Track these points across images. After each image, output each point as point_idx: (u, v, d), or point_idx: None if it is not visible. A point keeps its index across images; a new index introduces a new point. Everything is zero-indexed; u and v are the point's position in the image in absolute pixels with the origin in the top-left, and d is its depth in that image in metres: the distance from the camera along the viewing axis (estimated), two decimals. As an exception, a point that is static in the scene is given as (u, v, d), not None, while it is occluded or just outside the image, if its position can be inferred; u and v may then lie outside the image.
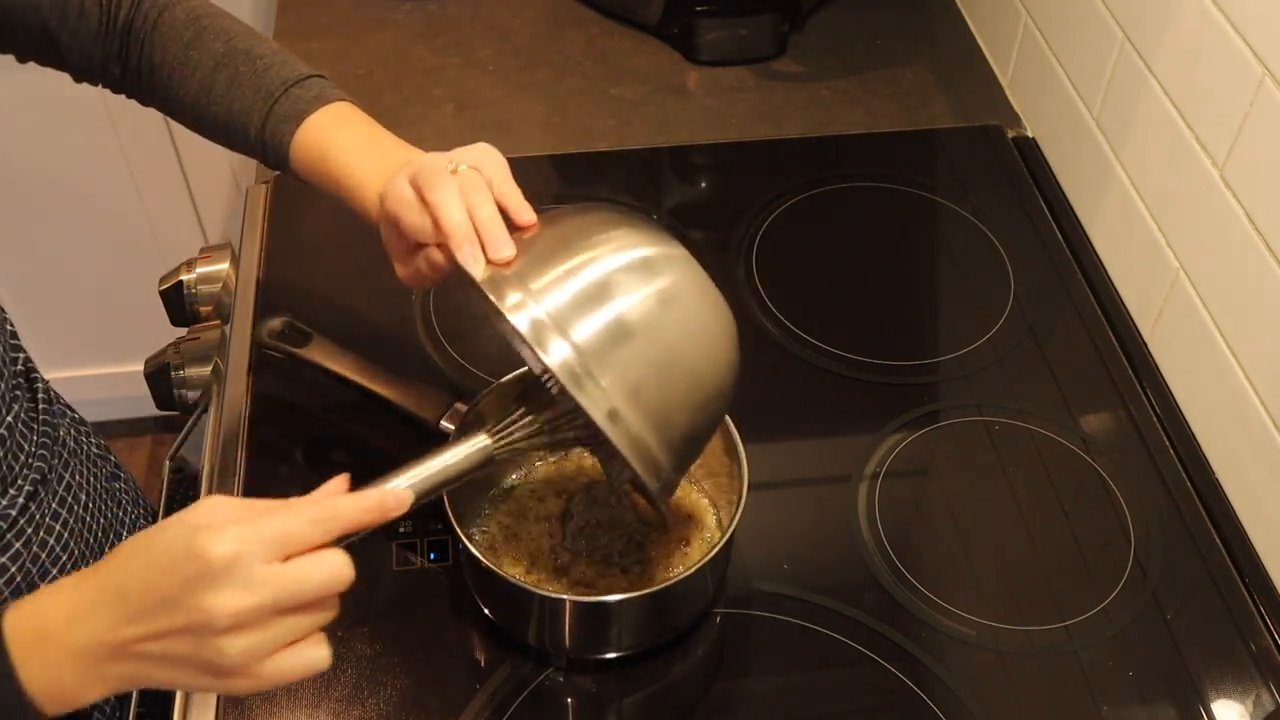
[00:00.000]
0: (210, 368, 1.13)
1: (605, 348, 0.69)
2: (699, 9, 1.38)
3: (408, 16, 1.45)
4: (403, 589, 0.90)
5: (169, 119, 0.91)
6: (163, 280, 1.17)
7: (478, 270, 0.71)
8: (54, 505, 0.86)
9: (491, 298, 0.70)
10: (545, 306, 0.69)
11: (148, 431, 2.19)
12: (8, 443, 0.81)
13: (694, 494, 0.93)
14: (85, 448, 0.96)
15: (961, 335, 1.11)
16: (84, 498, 0.91)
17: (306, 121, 0.84)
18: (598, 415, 0.68)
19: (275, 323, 1.00)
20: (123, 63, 0.88)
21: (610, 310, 0.70)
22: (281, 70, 0.86)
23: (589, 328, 0.69)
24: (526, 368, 0.89)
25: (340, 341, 0.98)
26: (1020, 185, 1.26)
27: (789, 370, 1.08)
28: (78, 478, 0.91)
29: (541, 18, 1.46)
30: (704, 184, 1.31)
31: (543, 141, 1.29)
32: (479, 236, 0.72)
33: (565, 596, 0.84)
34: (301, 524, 0.60)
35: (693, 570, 0.81)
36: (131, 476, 1.07)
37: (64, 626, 0.61)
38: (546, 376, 0.73)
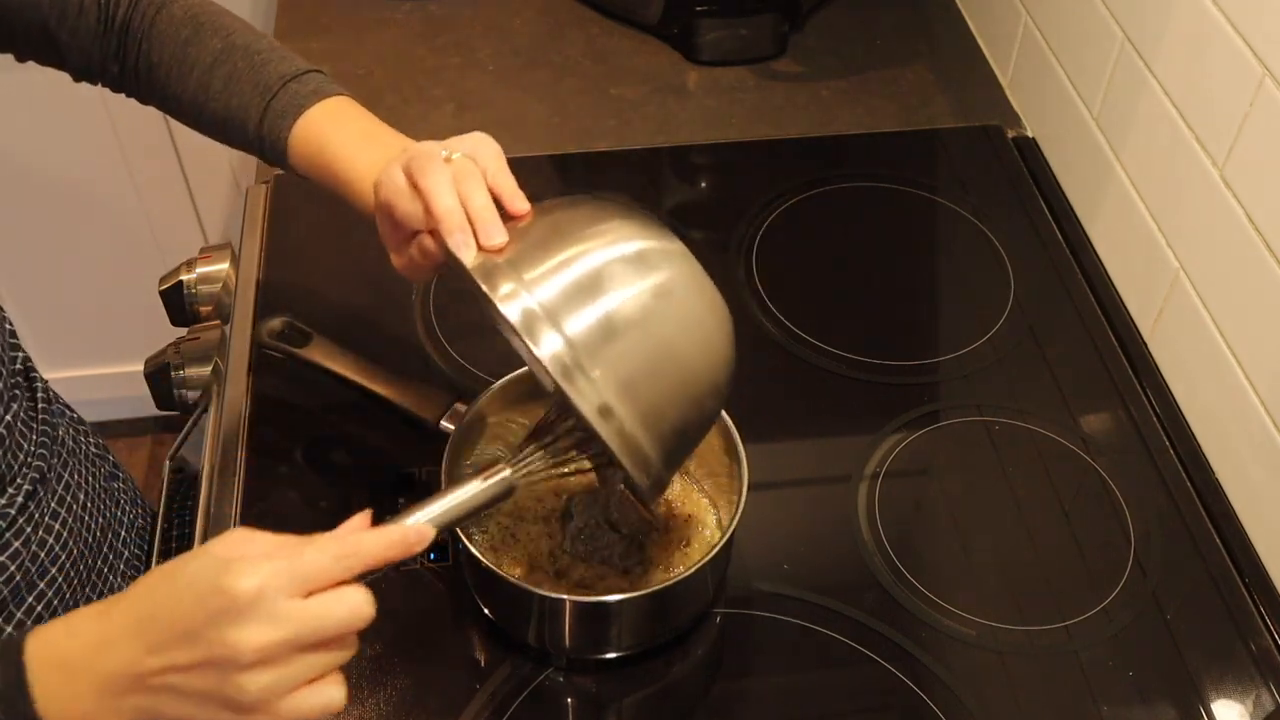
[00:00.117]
0: (210, 368, 1.13)
1: (597, 341, 0.68)
2: (699, 9, 1.38)
3: (408, 16, 1.45)
4: (403, 589, 0.90)
5: (169, 118, 0.91)
6: (163, 280, 1.17)
7: (469, 257, 0.71)
8: (53, 504, 0.86)
9: (482, 286, 0.69)
10: (538, 297, 0.68)
11: (148, 431, 2.19)
12: (6, 442, 0.81)
13: (694, 494, 0.93)
14: (84, 447, 0.96)
15: (961, 335, 1.11)
16: (83, 497, 0.91)
17: (304, 116, 0.84)
18: (588, 410, 0.67)
19: (275, 323, 1.00)
20: (121, 61, 0.88)
21: (604, 303, 0.69)
22: (279, 66, 0.86)
23: (582, 320, 0.68)
24: (527, 368, 0.89)
25: (340, 341, 0.98)
26: (1020, 185, 1.26)
27: (789, 370, 1.08)
28: (76, 477, 0.91)
29: (541, 18, 1.46)
30: (704, 184, 1.31)
31: (543, 141, 1.29)
32: (471, 224, 0.71)
33: (565, 596, 0.84)
34: (326, 560, 0.60)
35: (693, 570, 0.81)
36: (130, 476, 1.07)
37: (87, 656, 0.61)
38: (538, 369, 0.72)
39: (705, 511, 0.92)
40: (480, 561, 0.81)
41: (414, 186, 0.73)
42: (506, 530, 0.90)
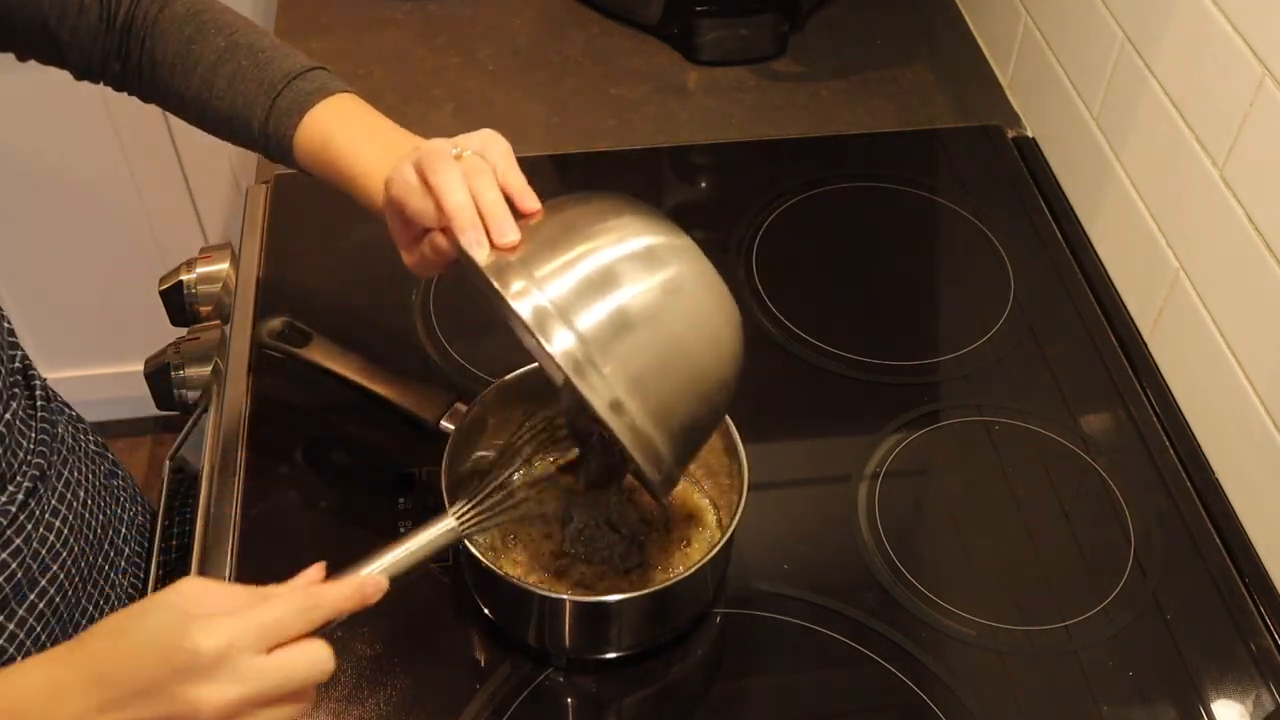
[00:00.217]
0: (210, 368, 1.13)
1: (609, 337, 0.69)
2: (699, 9, 1.38)
3: (408, 16, 1.45)
4: (403, 589, 0.90)
5: (169, 117, 0.91)
6: (163, 280, 1.17)
7: (481, 255, 0.71)
8: (53, 502, 0.86)
9: (495, 284, 0.69)
10: (549, 294, 0.69)
11: (148, 431, 2.19)
12: (6, 440, 0.81)
13: (694, 494, 0.93)
14: (83, 445, 0.96)
15: (961, 335, 1.11)
16: (83, 494, 0.91)
17: (309, 113, 0.84)
18: (600, 405, 0.68)
19: (275, 323, 1.00)
20: (123, 59, 0.88)
21: (615, 299, 0.69)
22: (284, 63, 0.86)
23: (593, 316, 0.69)
24: (526, 368, 0.89)
25: (340, 341, 0.98)
26: (1020, 185, 1.26)
27: (789, 370, 1.08)
28: (76, 474, 0.91)
29: (541, 18, 1.46)
30: (704, 184, 1.31)
31: (543, 141, 1.29)
32: (483, 221, 0.71)
33: (565, 596, 0.84)
34: (289, 614, 0.61)
35: (693, 570, 0.81)
36: (129, 474, 1.07)
37: (39, 709, 0.60)
38: (550, 365, 0.73)
39: (705, 511, 0.92)
40: (480, 561, 0.81)
41: (425, 184, 0.74)
42: (506, 531, 0.90)
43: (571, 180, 1.27)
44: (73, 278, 1.92)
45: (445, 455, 0.85)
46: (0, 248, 1.86)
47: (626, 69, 1.39)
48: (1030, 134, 1.31)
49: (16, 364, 0.86)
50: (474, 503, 0.77)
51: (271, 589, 0.63)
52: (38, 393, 0.89)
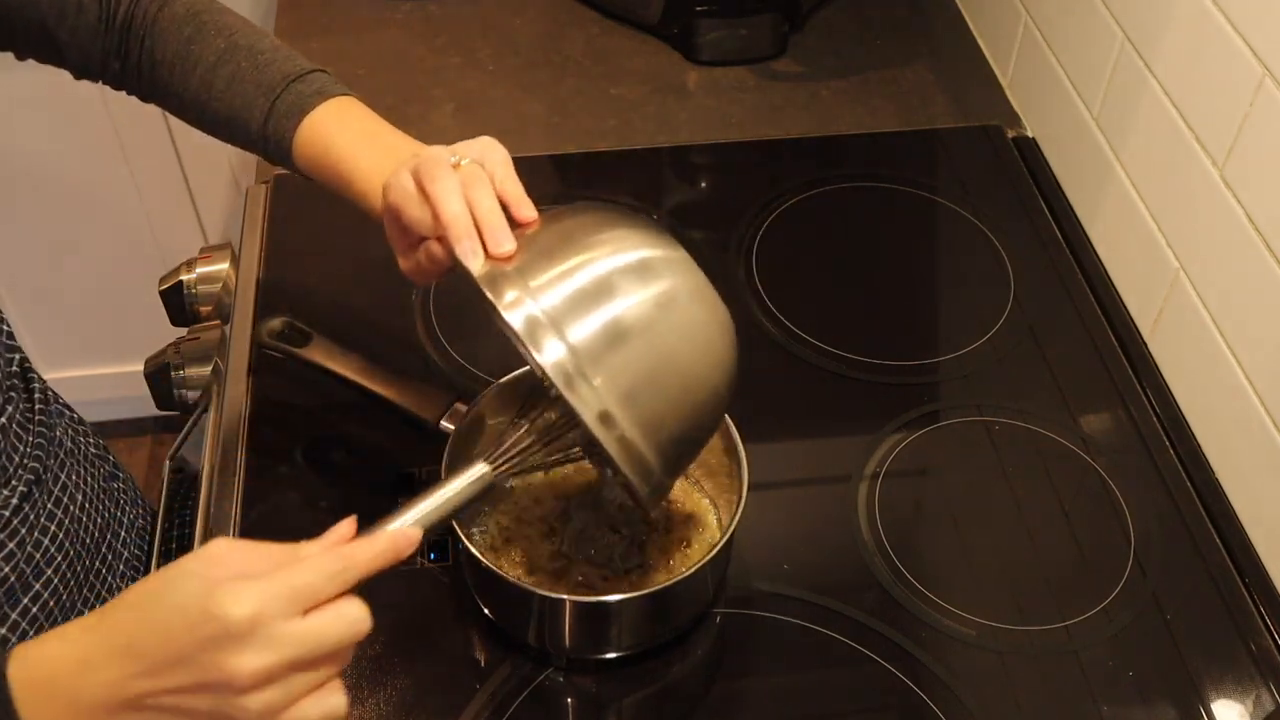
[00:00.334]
0: (210, 368, 1.13)
1: (600, 349, 0.69)
2: (699, 9, 1.38)
3: (408, 16, 1.45)
4: (403, 589, 0.90)
5: (169, 117, 0.91)
6: (163, 280, 1.17)
7: (475, 265, 0.71)
8: (49, 505, 0.86)
9: (488, 294, 0.70)
10: (542, 305, 0.69)
11: (148, 431, 2.19)
12: (2, 443, 0.81)
13: (694, 494, 0.93)
14: (82, 447, 0.96)
15: (961, 335, 1.11)
16: (80, 498, 0.91)
17: (309, 116, 0.84)
18: (589, 417, 0.68)
19: (275, 323, 1.00)
20: (123, 59, 0.88)
21: (607, 311, 0.69)
22: (283, 65, 0.86)
23: (585, 328, 0.69)
24: (526, 368, 0.89)
25: (340, 341, 0.98)
26: (1020, 185, 1.26)
27: (789, 370, 1.08)
28: (74, 477, 0.91)
29: (541, 18, 1.46)
30: (704, 184, 1.31)
31: (543, 141, 1.29)
32: (479, 230, 0.72)
33: (565, 596, 0.84)
34: (319, 578, 0.59)
35: (693, 570, 0.81)
36: (130, 476, 1.07)
37: (72, 677, 0.59)
38: (541, 375, 0.73)
39: (705, 511, 0.92)
40: (480, 561, 0.81)
41: (422, 192, 0.74)
42: (506, 531, 0.90)
43: (571, 180, 1.27)
44: (73, 278, 1.92)
45: (445, 455, 0.85)
46: (0, 248, 1.86)
47: (626, 69, 1.39)
48: (1030, 134, 1.31)
49: (15, 366, 0.86)
50: (505, 447, 0.75)
51: (303, 546, 0.62)
52: (36, 395, 0.89)
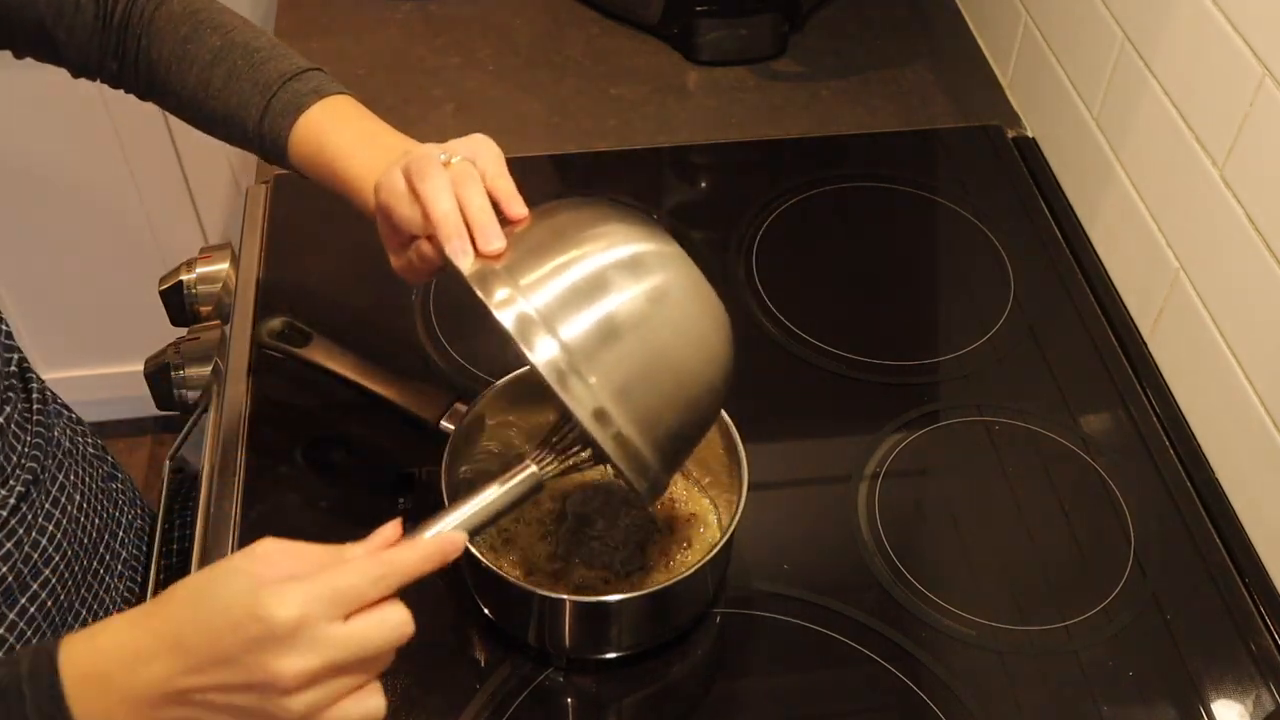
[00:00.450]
0: (210, 368, 1.13)
1: (594, 346, 0.68)
2: (699, 9, 1.37)
3: (408, 16, 1.45)
4: (403, 589, 0.90)
5: (169, 116, 0.91)
6: (163, 280, 1.17)
7: (465, 264, 0.71)
8: (47, 505, 0.86)
9: (478, 293, 0.69)
10: (534, 303, 0.68)
11: (148, 431, 2.19)
12: (0, 443, 0.81)
13: (694, 494, 0.93)
14: (81, 448, 0.96)
15: (961, 335, 1.11)
16: (78, 498, 0.91)
17: (304, 115, 0.84)
18: (583, 414, 0.68)
19: (275, 323, 1.00)
20: (120, 58, 0.88)
21: (600, 308, 0.69)
22: (279, 64, 0.86)
23: (578, 325, 0.68)
24: (526, 368, 0.88)
25: (340, 341, 0.98)
26: (1020, 185, 1.26)
27: (789, 370, 1.08)
28: (72, 477, 0.91)
29: (541, 18, 1.46)
30: (704, 184, 1.31)
31: (543, 141, 1.29)
32: (469, 229, 0.71)
33: (565, 597, 0.84)
34: (364, 582, 0.60)
35: (693, 570, 0.81)
36: (129, 477, 1.07)
37: (121, 669, 0.60)
38: (535, 373, 0.72)
39: (706, 511, 0.92)
40: (480, 561, 0.81)
41: (413, 191, 0.74)
42: (505, 531, 0.90)
43: (571, 180, 1.27)
44: (73, 278, 1.92)
45: (445, 455, 0.85)
46: (0, 248, 1.86)
47: (626, 69, 1.39)
48: (1030, 134, 1.31)
49: (13, 366, 0.86)
50: (551, 447, 0.75)
51: (348, 549, 0.62)
52: (34, 395, 0.89)
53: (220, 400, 1.05)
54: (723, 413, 0.86)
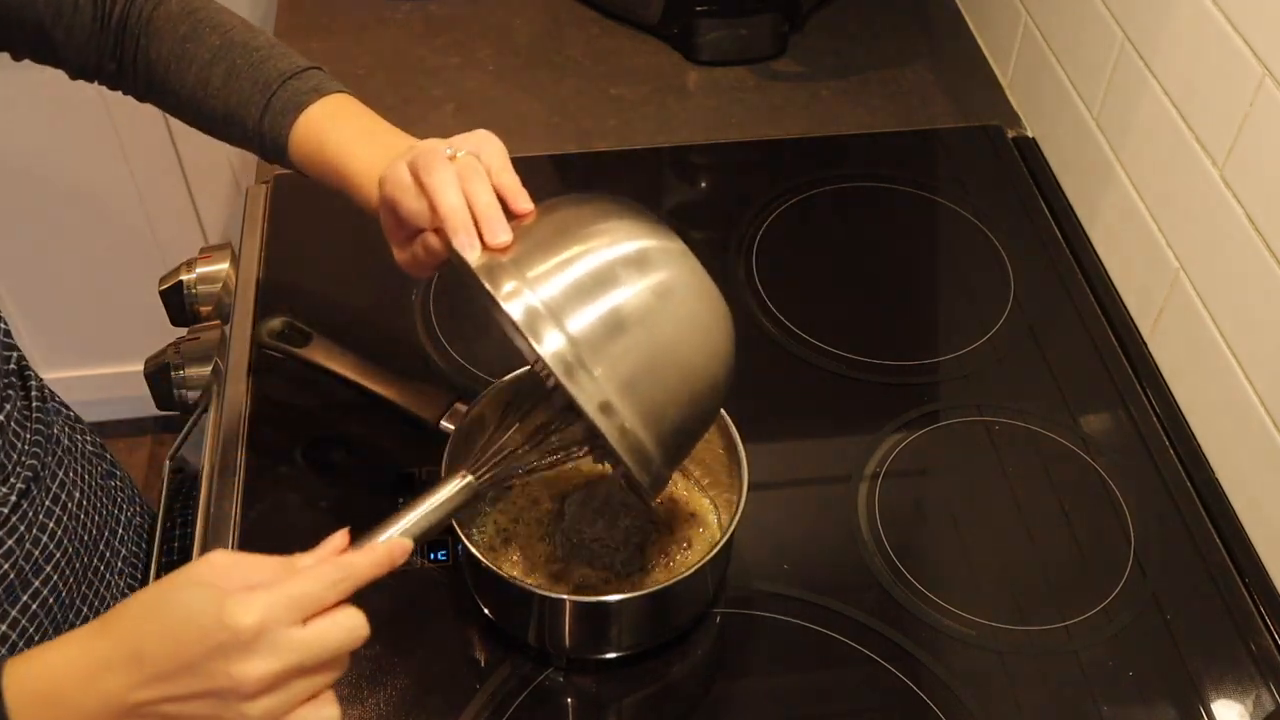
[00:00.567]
0: (210, 368, 1.13)
1: (600, 339, 0.69)
2: (699, 9, 1.38)
3: (408, 16, 1.45)
4: (403, 589, 0.90)
5: (169, 117, 0.91)
6: (163, 280, 1.17)
7: (473, 256, 0.71)
8: (47, 503, 0.86)
9: (486, 284, 0.69)
10: (540, 295, 0.69)
11: (148, 431, 2.19)
12: (0, 441, 0.81)
13: (695, 494, 0.93)
14: (80, 446, 0.96)
15: (961, 335, 1.11)
16: (78, 495, 0.91)
17: (305, 113, 0.84)
18: (590, 407, 0.68)
19: (275, 323, 1.00)
20: (118, 59, 0.88)
21: (606, 302, 0.69)
22: (279, 62, 0.86)
23: (584, 318, 0.69)
24: (526, 368, 0.89)
25: (340, 341, 0.98)
26: (1020, 185, 1.26)
27: (789, 370, 1.08)
28: (71, 475, 0.91)
29: (541, 18, 1.46)
30: (704, 184, 1.31)
31: (543, 142, 1.29)
32: (476, 222, 0.72)
33: (565, 596, 0.84)
34: (320, 587, 0.62)
35: (693, 570, 0.81)
36: (128, 475, 1.07)
37: (76, 686, 0.60)
38: (540, 366, 0.73)
39: (706, 511, 0.92)
40: (480, 561, 0.81)
41: (419, 184, 0.74)
42: (505, 532, 0.90)
43: (571, 180, 1.27)
44: (73, 278, 1.92)
45: (445, 455, 0.85)
46: (0, 248, 1.86)
47: (626, 69, 1.39)
48: (1030, 134, 1.31)
49: (12, 365, 0.86)
50: (489, 454, 0.76)
51: (299, 559, 0.64)
52: (33, 393, 0.89)
53: (220, 400, 1.05)
54: (723, 412, 0.86)
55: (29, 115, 1.70)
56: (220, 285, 1.16)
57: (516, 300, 0.68)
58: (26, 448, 0.85)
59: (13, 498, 0.82)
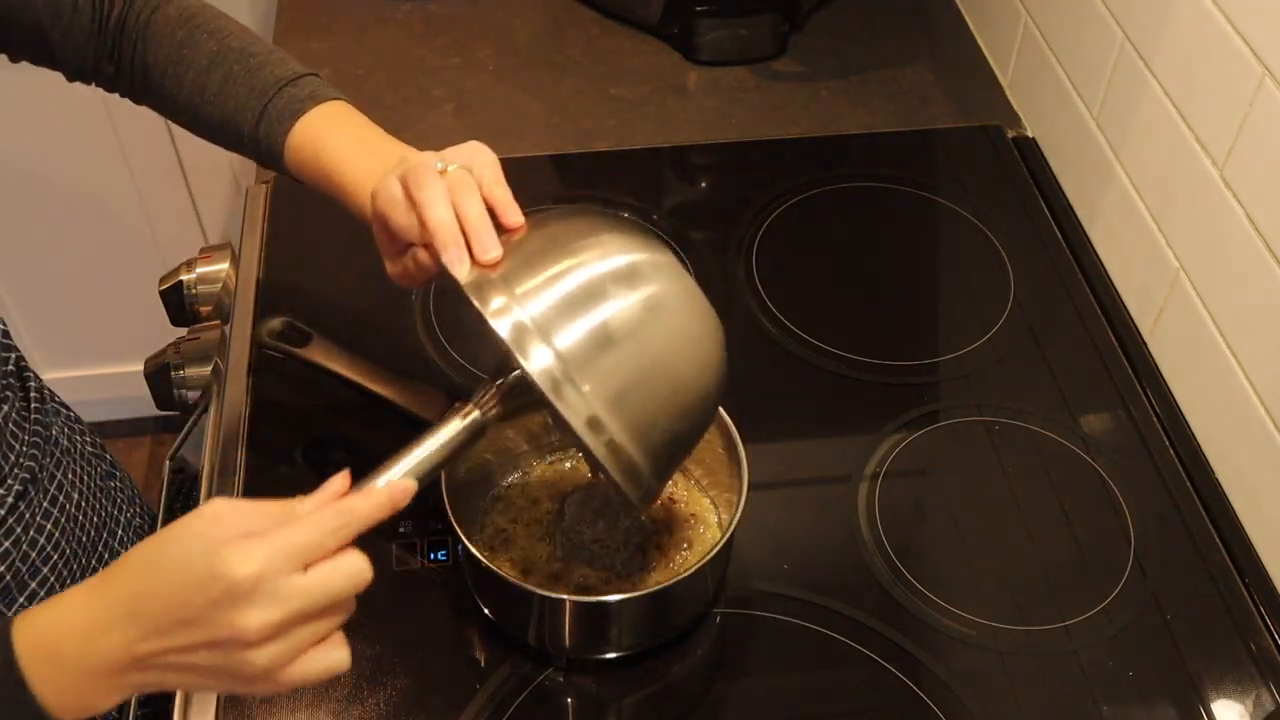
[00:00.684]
0: (210, 368, 1.13)
1: (588, 354, 0.69)
2: (699, 9, 1.38)
3: (408, 16, 1.45)
4: (403, 589, 0.90)
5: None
6: (163, 280, 1.17)
7: (461, 272, 0.71)
8: (45, 504, 0.86)
9: (474, 301, 0.70)
10: (529, 311, 0.69)
11: (148, 431, 2.19)
12: (-1, 441, 0.81)
13: (694, 494, 0.93)
14: (79, 446, 0.96)
15: (961, 335, 1.11)
16: (76, 496, 0.91)
17: (301, 120, 0.84)
18: (577, 423, 0.68)
19: (275, 323, 1.00)
20: (116, 62, 0.88)
21: (595, 317, 0.69)
22: (276, 69, 0.86)
23: (572, 334, 0.69)
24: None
25: (340, 341, 0.98)
26: (1020, 185, 1.26)
27: (789, 370, 1.08)
28: (70, 476, 0.91)
29: (541, 18, 1.46)
30: (704, 184, 1.31)
31: (543, 142, 1.29)
32: (466, 237, 0.72)
33: (565, 597, 0.84)
34: (319, 534, 0.61)
35: (693, 570, 0.81)
36: (127, 475, 1.07)
37: (79, 642, 0.61)
38: (530, 383, 0.72)
39: (706, 511, 0.92)
40: (480, 561, 0.81)
41: (410, 199, 0.74)
42: (503, 532, 0.90)
43: (571, 180, 1.27)
44: (73, 278, 1.92)
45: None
46: (0, 248, 1.86)
47: (626, 69, 1.39)
48: (1030, 134, 1.31)
49: (11, 365, 0.86)
50: (491, 392, 0.75)
51: (299, 504, 0.63)
52: (32, 394, 0.89)
53: (220, 400, 1.05)
54: (722, 413, 0.86)
55: (29, 115, 1.70)
56: (220, 285, 1.16)
57: (505, 317, 0.68)
58: (24, 449, 0.85)
59: (9, 499, 0.82)
